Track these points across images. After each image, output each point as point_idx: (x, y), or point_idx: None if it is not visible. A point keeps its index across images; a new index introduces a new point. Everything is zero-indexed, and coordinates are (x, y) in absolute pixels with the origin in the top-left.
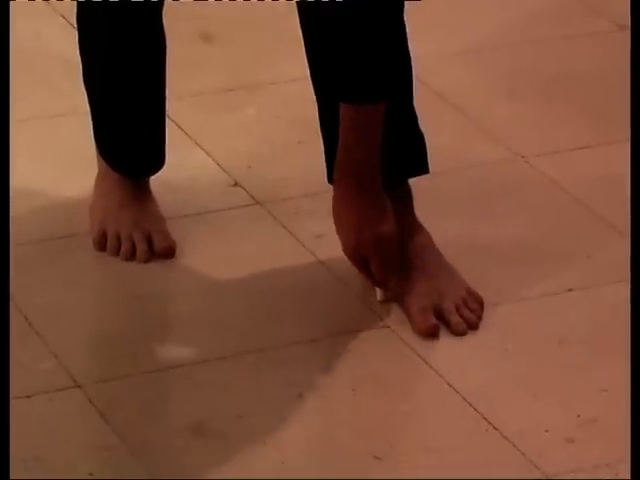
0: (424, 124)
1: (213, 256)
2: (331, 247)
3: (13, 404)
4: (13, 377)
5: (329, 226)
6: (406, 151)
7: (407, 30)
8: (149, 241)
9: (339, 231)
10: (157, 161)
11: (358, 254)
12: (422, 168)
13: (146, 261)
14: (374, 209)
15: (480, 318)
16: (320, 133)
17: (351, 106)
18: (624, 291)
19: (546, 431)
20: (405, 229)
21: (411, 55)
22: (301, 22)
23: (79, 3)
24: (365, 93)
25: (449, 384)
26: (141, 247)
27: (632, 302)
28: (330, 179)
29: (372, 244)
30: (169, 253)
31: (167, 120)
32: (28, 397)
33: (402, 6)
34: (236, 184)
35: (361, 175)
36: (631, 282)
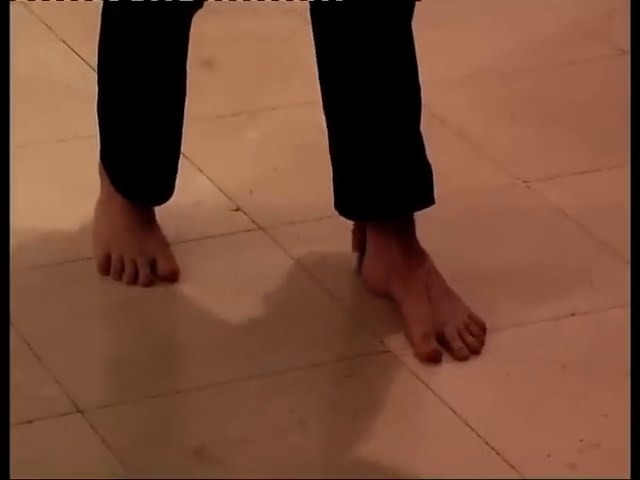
0: (426, 149)
1: (215, 281)
2: (333, 272)
3: (14, 430)
4: (15, 403)
5: (331, 251)
6: (412, 182)
7: None
8: (153, 265)
9: None
10: (167, 192)
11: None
12: (428, 200)
13: (149, 285)
14: None
15: (482, 343)
16: (323, 158)
17: None
18: (626, 316)
19: (548, 456)
20: (408, 255)
21: None
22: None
23: (103, 29)
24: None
25: (451, 409)
26: (144, 271)
27: (632, 325)
28: (337, 206)
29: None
30: (173, 277)
31: None
32: (30, 423)
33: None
34: (238, 209)
35: None
36: (631, 306)
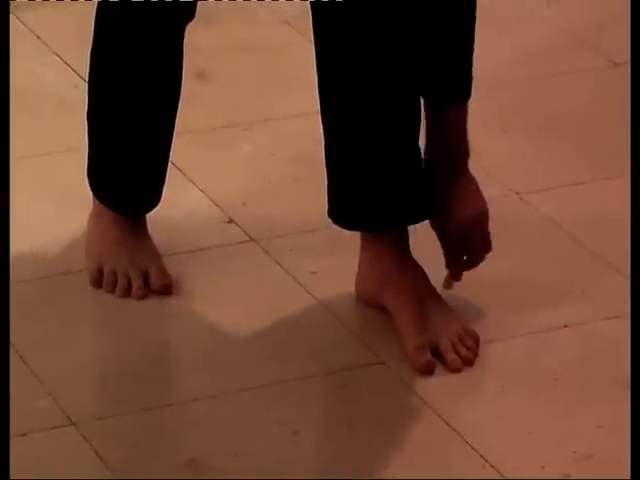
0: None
1: (208, 293)
2: (326, 284)
3: None
4: None
5: (324, 263)
6: (409, 195)
7: None
8: (146, 277)
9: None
10: (154, 199)
11: (467, 230)
12: (423, 214)
13: (142, 297)
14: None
15: (476, 355)
16: (317, 170)
17: (461, 106)
18: (619, 327)
19: (542, 467)
20: (401, 268)
21: None
22: (329, 50)
23: (96, 33)
24: (469, 89)
25: (445, 421)
26: (137, 283)
27: (632, 336)
28: (331, 214)
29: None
30: (166, 290)
31: None
32: (23, 435)
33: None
34: (231, 221)
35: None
36: (631, 317)
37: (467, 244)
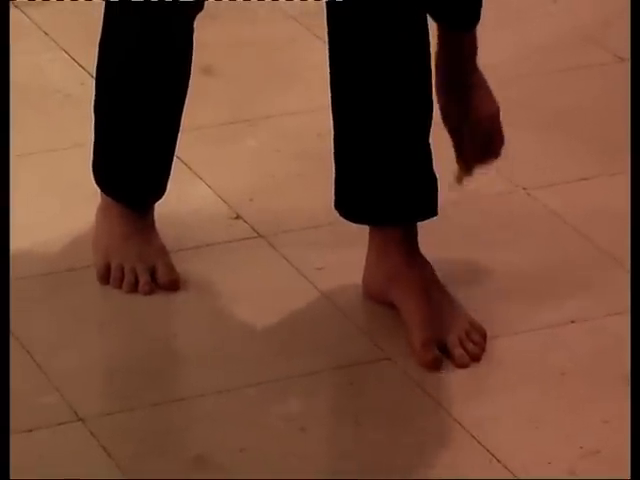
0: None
1: (214, 289)
2: (332, 279)
3: (14, 438)
4: (14, 411)
5: (331, 258)
6: (418, 192)
7: None
8: (152, 273)
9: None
10: (159, 190)
11: (487, 125)
12: (430, 212)
13: (149, 293)
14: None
15: (483, 350)
16: (323, 165)
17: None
18: (626, 323)
19: (549, 463)
20: (408, 263)
21: None
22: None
23: (104, 26)
24: (479, 14)
25: (452, 416)
26: (144, 279)
27: (632, 332)
28: (338, 207)
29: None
30: (173, 287)
31: None
32: (30, 431)
33: None
34: (238, 217)
35: None
36: (631, 313)
37: (486, 138)
